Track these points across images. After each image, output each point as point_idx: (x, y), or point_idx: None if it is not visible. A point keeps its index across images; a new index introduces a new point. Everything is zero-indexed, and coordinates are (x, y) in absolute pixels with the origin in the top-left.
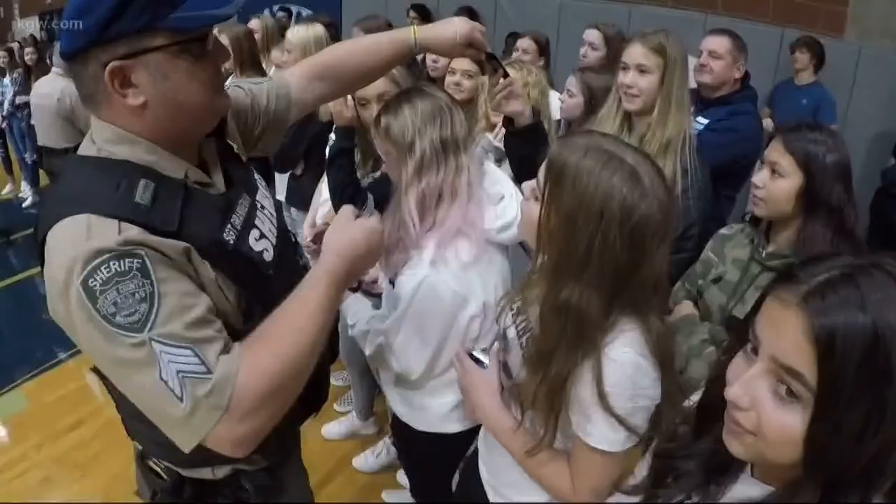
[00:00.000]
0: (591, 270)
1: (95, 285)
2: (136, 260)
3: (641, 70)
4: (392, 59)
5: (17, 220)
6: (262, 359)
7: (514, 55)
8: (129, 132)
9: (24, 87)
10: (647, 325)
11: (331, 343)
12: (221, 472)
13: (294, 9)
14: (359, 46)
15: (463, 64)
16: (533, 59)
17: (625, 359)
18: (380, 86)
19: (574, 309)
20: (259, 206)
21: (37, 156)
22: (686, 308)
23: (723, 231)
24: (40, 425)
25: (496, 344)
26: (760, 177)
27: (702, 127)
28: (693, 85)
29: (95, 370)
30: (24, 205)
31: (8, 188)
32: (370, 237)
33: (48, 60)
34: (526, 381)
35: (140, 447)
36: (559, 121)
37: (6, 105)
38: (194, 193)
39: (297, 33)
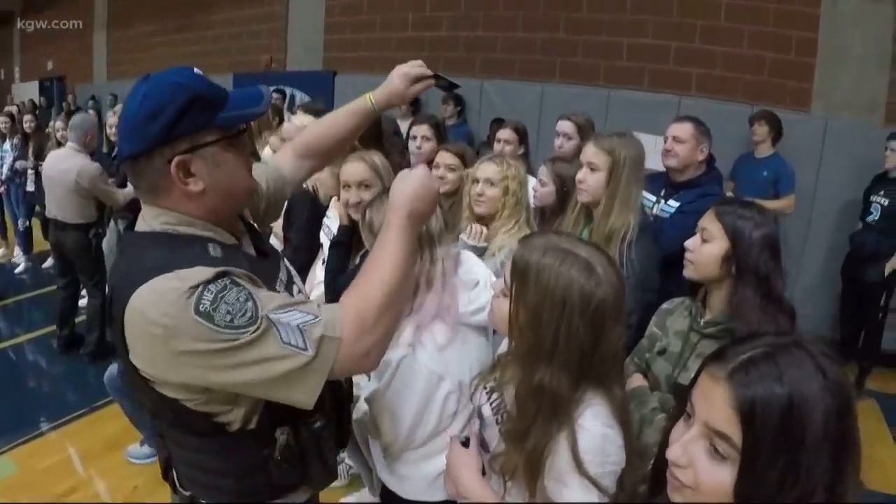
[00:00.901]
0: (559, 355)
1: (206, 307)
2: (226, 279)
3: (591, 167)
4: (360, 124)
5: (9, 285)
6: (360, 290)
7: (497, 146)
8: (187, 216)
9: (23, 152)
10: (611, 396)
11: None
12: None
13: (288, 91)
14: (330, 122)
15: (446, 158)
16: (514, 148)
17: (595, 429)
18: (360, 172)
19: (547, 390)
20: (285, 268)
21: (29, 223)
22: (637, 380)
23: (664, 306)
24: (32, 491)
25: (476, 424)
26: (691, 241)
27: (672, 210)
28: (662, 168)
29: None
30: (16, 270)
31: (1, 252)
32: (423, 182)
33: (47, 128)
34: (506, 455)
35: (187, 492)
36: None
37: (5, 170)
38: (250, 259)
39: (294, 125)
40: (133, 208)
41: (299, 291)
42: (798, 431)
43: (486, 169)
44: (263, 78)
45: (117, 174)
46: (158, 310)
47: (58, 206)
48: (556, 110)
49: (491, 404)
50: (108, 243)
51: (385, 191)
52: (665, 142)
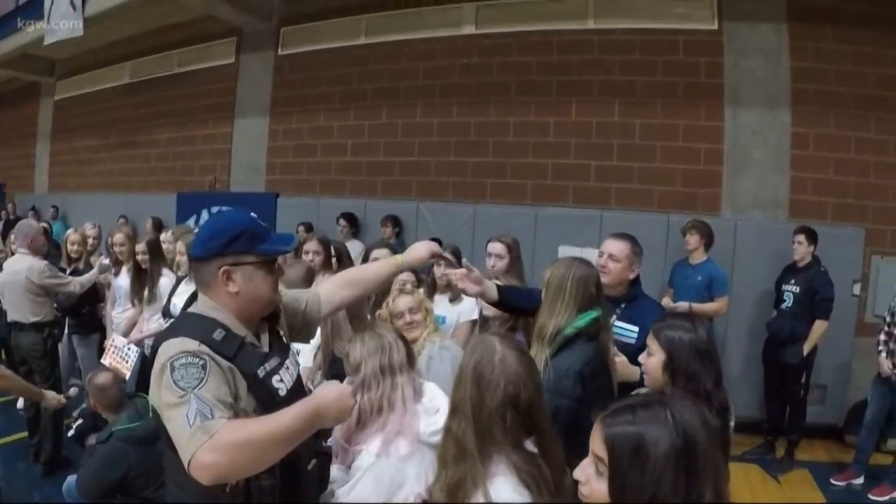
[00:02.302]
0: (463, 408)
1: (175, 365)
2: (201, 360)
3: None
4: (390, 276)
5: None
6: (243, 428)
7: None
8: (221, 306)
9: None
10: (515, 465)
11: None
12: None
13: None
14: (370, 269)
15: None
16: (449, 267)
17: (505, 494)
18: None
19: (454, 433)
20: (286, 365)
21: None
22: None
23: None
24: None
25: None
26: (643, 357)
27: (625, 331)
28: None
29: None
30: None
31: None
32: (342, 396)
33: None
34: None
35: None
36: (479, 319)
37: None
38: (246, 345)
39: None
40: (79, 313)
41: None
42: (643, 457)
43: (404, 301)
44: (207, 198)
45: None
46: (162, 355)
47: (14, 308)
48: (488, 228)
49: None
50: (63, 347)
51: (363, 330)
52: (600, 257)
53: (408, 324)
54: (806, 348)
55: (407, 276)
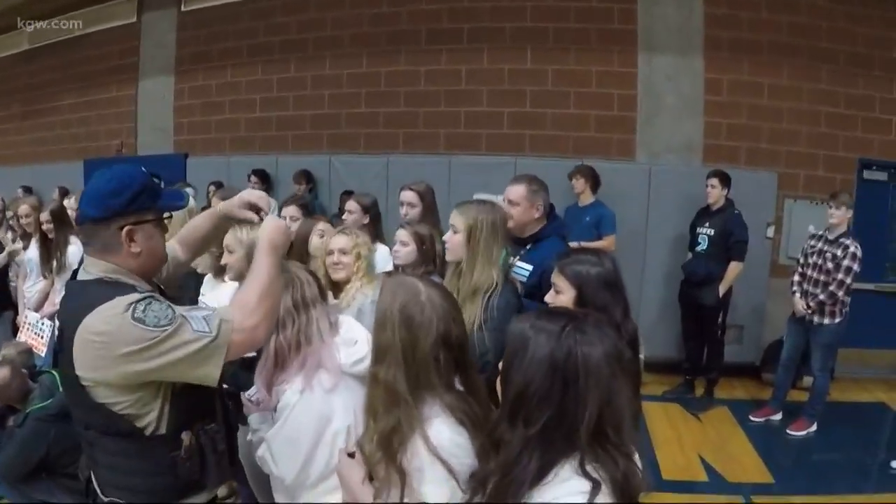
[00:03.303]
0: (389, 355)
1: (139, 315)
2: (150, 298)
3: (454, 230)
4: (212, 228)
5: None
6: (241, 292)
7: (344, 215)
8: (122, 269)
9: None
10: (449, 404)
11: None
12: None
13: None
14: (194, 225)
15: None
16: (358, 217)
17: (443, 436)
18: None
19: (383, 381)
20: None
21: None
22: None
23: None
24: None
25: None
26: (549, 296)
27: (525, 271)
28: None
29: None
30: None
31: None
32: (275, 223)
33: None
34: (371, 449)
35: (106, 498)
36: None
37: None
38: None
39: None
40: None
41: None
42: (521, 355)
43: (338, 240)
44: (114, 163)
45: None
46: (102, 323)
47: None
48: (401, 179)
49: None
50: None
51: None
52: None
53: (334, 263)
54: (721, 289)
55: (323, 225)
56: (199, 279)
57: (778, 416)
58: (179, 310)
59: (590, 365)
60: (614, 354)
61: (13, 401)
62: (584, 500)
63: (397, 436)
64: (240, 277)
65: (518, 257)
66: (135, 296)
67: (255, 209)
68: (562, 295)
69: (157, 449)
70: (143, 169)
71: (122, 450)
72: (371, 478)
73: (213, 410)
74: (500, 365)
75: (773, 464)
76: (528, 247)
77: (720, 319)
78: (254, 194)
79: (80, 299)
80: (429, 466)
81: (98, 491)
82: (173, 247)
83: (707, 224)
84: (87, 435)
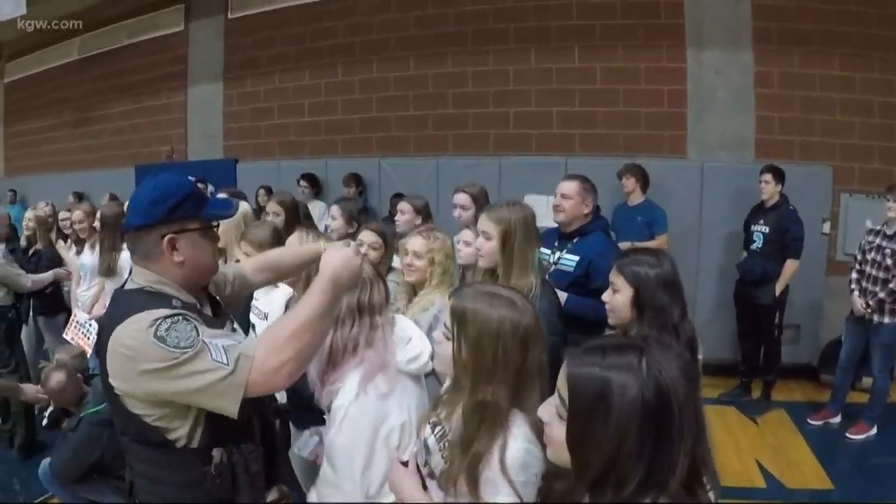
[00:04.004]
0: (499, 373)
1: (161, 333)
2: (178, 317)
3: (486, 237)
4: (309, 262)
5: None
6: (276, 325)
7: (396, 217)
8: (166, 279)
9: None
10: (534, 415)
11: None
12: None
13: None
14: (289, 254)
15: (368, 237)
16: (410, 218)
17: (518, 446)
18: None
19: (490, 404)
20: (236, 329)
21: None
22: None
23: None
24: None
25: (421, 452)
26: (606, 294)
27: (571, 262)
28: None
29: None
30: None
31: None
32: (348, 257)
33: None
34: (450, 465)
35: None
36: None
37: None
38: (203, 314)
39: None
40: (42, 294)
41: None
42: (606, 405)
43: (413, 242)
44: (165, 169)
45: (35, 268)
46: (128, 336)
47: None
48: (451, 181)
49: (435, 435)
50: (26, 332)
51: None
52: (555, 198)
53: (407, 265)
54: (778, 288)
55: (370, 238)
56: None
57: (837, 420)
58: (204, 333)
59: (682, 403)
60: (689, 373)
61: (68, 404)
62: None
63: (488, 451)
64: (258, 246)
65: (565, 250)
66: (162, 312)
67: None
68: (619, 294)
69: (187, 462)
70: (189, 178)
71: (153, 459)
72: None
73: (250, 429)
74: (568, 424)
75: (833, 469)
76: (574, 240)
77: (777, 319)
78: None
79: (118, 308)
80: (502, 483)
81: (136, 498)
82: (243, 267)
83: (761, 221)
84: (123, 440)
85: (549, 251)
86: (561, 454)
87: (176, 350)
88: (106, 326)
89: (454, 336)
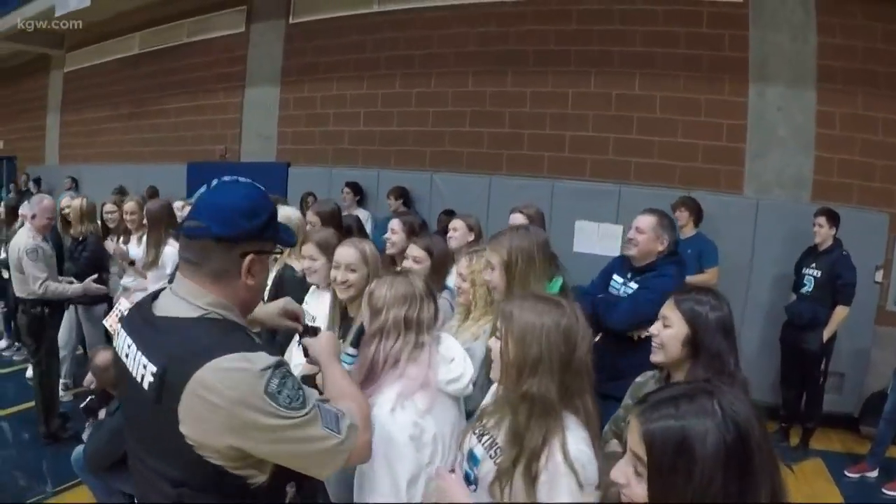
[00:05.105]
0: (544, 364)
1: (273, 389)
2: (283, 369)
3: (490, 266)
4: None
5: None
6: (354, 401)
7: (449, 234)
8: (231, 303)
9: None
10: (586, 415)
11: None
12: None
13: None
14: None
15: (414, 251)
16: (462, 235)
17: (573, 449)
18: (348, 256)
19: (537, 395)
20: None
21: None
22: (613, 445)
23: (638, 379)
24: None
25: (458, 459)
26: (655, 327)
27: (632, 290)
28: (607, 252)
29: None
30: None
31: None
32: (334, 340)
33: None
34: (507, 465)
35: None
36: None
37: None
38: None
39: (283, 213)
40: (94, 271)
41: None
42: (689, 456)
43: (461, 264)
44: (217, 168)
45: (77, 261)
46: (229, 384)
47: (14, 281)
48: (503, 200)
49: (483, 444)
50: (66, 320)
51: (396, 271)
52: (630, 230)
53: (457, 286)
54: (826, 334)
55: (415, 251)
56: (305, 287)
57: (874, 473)
58: (309, 396)
59: (759, 440)
60: (764, 421)
61: (110, 385)
62: None
63: (544, 448)
64: (326, 284)
65: (634, 282)
66: (267, 359)
67: (294, 317)
68: (670, 329)
69: (262, 500)
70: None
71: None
72: None
73: None
74: (650, 481)
75: None
76: (645, 274)
77: (822, 366)
78: (292, 304)
79: (186, 342)
80: (565, 478)
81: None
82: None
83: (814, 265)
84: (179, 492)
85: (620, 279)
86: None
87: (288, 411)
88: (174, 366)
89: (502, 335)
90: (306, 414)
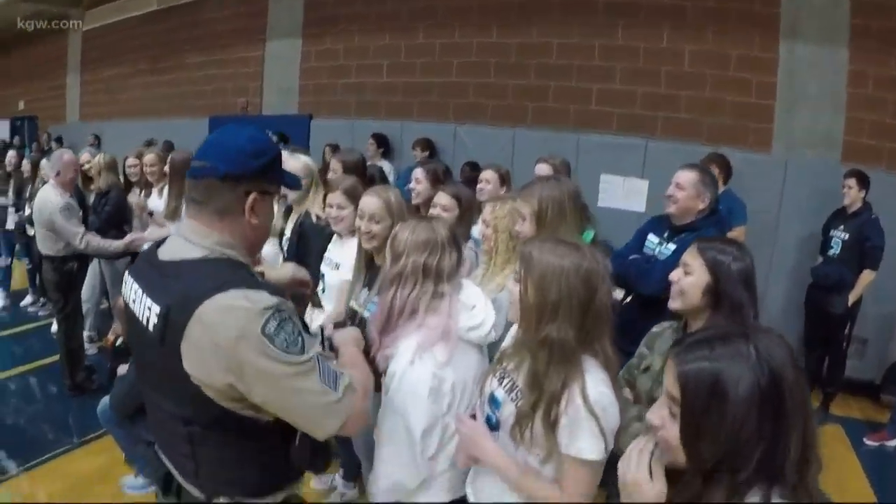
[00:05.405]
0: (563, 308)
1: (271, 331)
2: (284, 312)
3: (521, 216)
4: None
5: None
6: (360, 372)
7: (479, 185)
8: (235, 241)
9: (1, 189)
10: (605, 359)
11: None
12: (279, 497)
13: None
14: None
15: (442, 199)
16: (494, 188)
17: (594, 392)
18: (373, 206)
19: (556, 340)
20: None
21: (11, 261)
22: (624, 394)
23: (653, 329)
24: None
25: (477, 403)
26: (675, 273)
27: (669, 252)
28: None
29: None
30: None
31: None
32: (354, 333)
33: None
34: (526, 409)
35: (204, 494)
36: None
37: None
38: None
39: (301, 161)
40: (116, 224)
41: None
42: (722, 398)
43: (485, 210)
44: (239, 122)
45: (100, 214)
46: (227, 322)
47: (38, 239)
48: (527, 153)
49: (503, 387)
50: (91, 273)
51: (420, 217)
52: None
53: (481, 234)
54: (851, 298)
55: (444, 199)
56: (328, 237)
57: (893, 443)
58: (311, 345)
59: (792, 385)
60: (798, 365)
61: None
62: None
63: (563, 392)
64: (351, 232)
65: (671, 242)
66: (268, 299)
67: (303, 285)
68: (691, 277)
69: (271, 439)
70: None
71: (233, 443)
72: None
73: None
74: (683, 421)
75: (883, 493)
76: (683, 234)
77: (846, 330)
78: (301, 271)
79: (189, 280)
80: (585, 422)
81: (192, 489)
82: None
83: (842, 227)
84: (189, 431)
85: (656, 239)
86: (678, 455)
87: (286, 355)
88: (177, 305)
89: (521, 279)
90: (303, 363)
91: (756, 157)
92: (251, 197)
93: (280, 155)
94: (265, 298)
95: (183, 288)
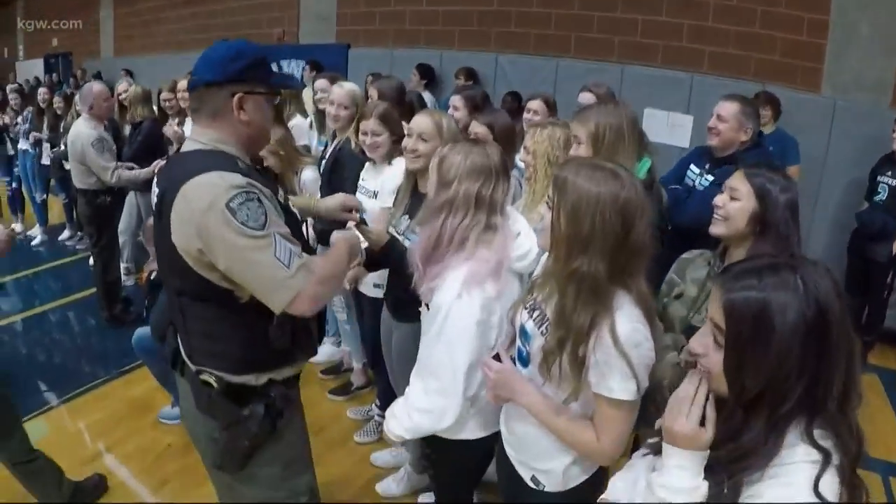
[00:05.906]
0: (596, 242)
1: (234, 205)
2: (252, 193)
3: (577, 141)
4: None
5: (27, 258)
6: (325, 264)
7: (526, 115)
8: (229, 138)
9: (36, 125)
10: (639, 295)
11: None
12: (261, 379)
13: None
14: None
15: (475, 128)
16: (543, 117)
17: (627, 327)
18: (423, 125)
19: (587, 274)
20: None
21: (46, 196)
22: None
23: (684, 256)
24: (65, 451)
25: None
26: (720, 198)
27: (707, 183)
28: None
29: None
30: (32, 243)
31: (18, 227)
32: (355, 241)
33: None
34: (552, 346)
35: (195, 367)
36: None
37: (21, 144)
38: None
39: (346, 89)
40: (147, 156)
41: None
42: (767, 327)
43: (527, 138)
44: (276, 51)
45: (132, 145)
46: (200, 195)
47: (73, 172)
48: (570, 84)
49: (533, 319)
50: (127, 205)
51: (472, 139)
52: (712, 118)
53: (522, 160)
54: (895, 247)
55: (477, 128)
56: (361, 163)
57: None
58: (273, 222)
59: (838, 318)
60: (843, 298)
61: None
62: (814, 472)
63: (592, 330)
64: (388, 158)
65: (712, 174)
66: (239, 180)
67: (349, 210)
68: (738, 202)
69: (251, 316)
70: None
71: (216, 316)
72: None
73: None
74: (727, 350)
75: None
76: (724, 167)
77: (889, 279)
78: (352, 199)
79: (181, 167)
80: (616, 360)
81: (187, 360)
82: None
83: (889, 173)
84: (181, 302)
85: (697, 170)
86: (720, 385)
87: (244, 228)
88: (169, 186)
89: (554, 205)
90: (259, 237)
91: (804, 97)
92: (236, 97)
93: (264, 59)
94: (237, 179)
95: (177, 172)
